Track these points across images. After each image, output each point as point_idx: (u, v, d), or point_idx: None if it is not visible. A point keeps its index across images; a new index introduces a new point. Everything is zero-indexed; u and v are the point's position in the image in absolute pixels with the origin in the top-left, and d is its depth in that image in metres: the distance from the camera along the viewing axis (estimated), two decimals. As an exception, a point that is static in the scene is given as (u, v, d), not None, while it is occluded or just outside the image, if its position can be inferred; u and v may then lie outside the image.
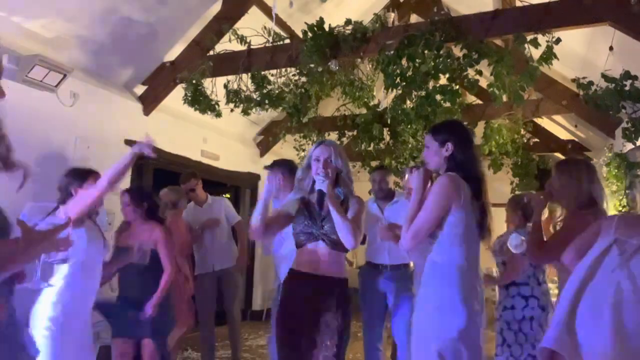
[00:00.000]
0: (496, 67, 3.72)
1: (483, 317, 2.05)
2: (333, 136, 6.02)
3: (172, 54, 4.87)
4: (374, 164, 6.12)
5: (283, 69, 4.67)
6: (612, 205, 4.46)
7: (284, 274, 2.55)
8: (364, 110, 5.59)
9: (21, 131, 3.71)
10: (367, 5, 5.69)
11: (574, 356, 1.60)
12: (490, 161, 6.03)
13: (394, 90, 4.09)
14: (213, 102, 4.63)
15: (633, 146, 4.29)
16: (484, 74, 3.98)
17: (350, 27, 4.11)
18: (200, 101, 4.57)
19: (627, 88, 3.60)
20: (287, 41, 4.56)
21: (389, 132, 5.69)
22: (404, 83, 3.90)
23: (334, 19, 4.21)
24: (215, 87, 4.67)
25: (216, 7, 4.66)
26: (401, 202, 3.70)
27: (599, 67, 3.85)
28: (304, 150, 5.81)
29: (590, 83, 3.80)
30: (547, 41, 3.60)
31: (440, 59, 3.75)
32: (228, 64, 4.63)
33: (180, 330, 3.91)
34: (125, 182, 4.18)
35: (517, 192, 6.08)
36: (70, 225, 2.18)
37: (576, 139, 6.78)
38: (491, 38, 3.93)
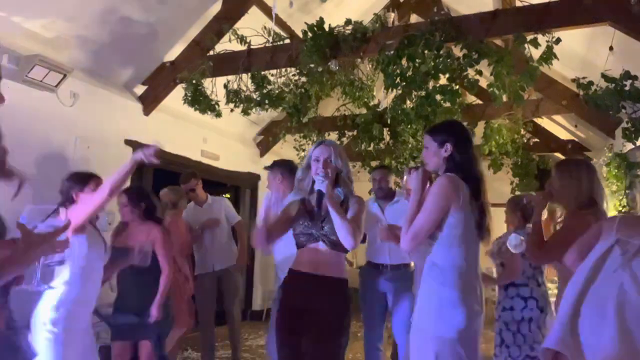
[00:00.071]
0: (496, 67, 3.72)
1: (482, 318, 2.05)
2: (333, 136, 6.02)
3: (172, 54, 4.87)
4: (374, 164, 6.12)
5: (283, 69, 4.67)
6: (612, 205, 4.47)
7: (284, 275, 2.55)
8: (364, 110, 5.59)
9: (21, 131, 3.73)
10: (367, 5, 5.69)
11: (577, 357, 1.60)
12: (490, 161, 6.03)
13: (394, 90, 4.09)
14: (213, 102, 4.63)
15: (633, 146, 4.29)
16: (484, 74, 3.98)
17: (350, 27, 4.11)
18: (200, 101, 4.57)
19: (627, 88, 3.60)
20: (287, 41, 4.56)
21: (389, 132, 5.69)
22: (404, 83, 3.90)
23: (334, 19, 4.21)
24: (215, 87, 4.67)
25: (216, 7, 4.66)
26: (402, 202, 3.70)
27: (599, 67, 3.85)
28: (304, 150, 5.81)
29: (590, 83, 3.80)
30: (547, 41, 3.59)
31: (440, 59, 3.75)
32: (228, 64, 4.63)
33: (180, 330, 3.91)
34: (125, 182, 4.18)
35: (517, 192, 6.08)
36: (70, 229, 2.19)
37: (576, 139, 6.78)
38: (491, 38, 3.93)
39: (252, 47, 4.53)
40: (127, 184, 4.27)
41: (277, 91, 4.67)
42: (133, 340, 3.15)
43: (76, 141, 4.28)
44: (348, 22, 4.13)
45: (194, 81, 4.51)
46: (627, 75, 3.58)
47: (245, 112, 4.70)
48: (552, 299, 3.46)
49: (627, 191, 4.40)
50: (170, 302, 3.37)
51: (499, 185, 6.14)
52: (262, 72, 4.56)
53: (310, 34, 4.07)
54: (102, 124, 4.54)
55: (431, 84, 3.96)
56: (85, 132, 4.35)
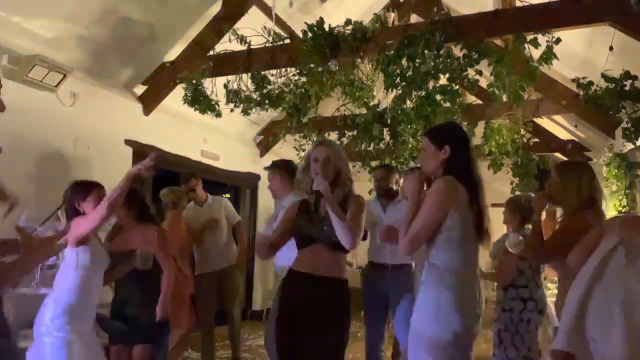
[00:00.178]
0: (496, 67, 3.72)
1: (480, 322, 2.05)
2: (333, 136, 6.02)
3: (172, 54, 4.87)
4: (374, 164, 6.12)
5: (283, 69, 4.67)
6: (612, 205, 4.47)
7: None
8: (364, 110, 5.58)
9: (21, 131, 3.74)
10: (367, 5, 5.68)
11: (587, 357, 1.61)
12: (490, 161, 6.02)
13: (394, 90, 4.09)
14: (213, 102, 4.63)
15: (633, 146, 4.29)
16: (484, 74, 3.98)
17: (350, 27, 4.10)
18: (200, 101, 4.57)
19: (627, 88, 3.60)
20: (287, 41, 4.56)
21: (389, 132, 5.69)
22: (404, 83, 3.89)
23: (334, 19, 4.21)
24: (215, 87, 4.67)
25: (216, 7, 4.66)
26: (404, 202, 3.70)
27: (599, 67, 3.85)
28: (304, 150, 5.81)
29: (590, 83, 3.80)
30: (547, 41, 3.59)
31: (440, 59, 3.75)
32: (228, 64, 4.63)
33: (180, 331, 3.91)
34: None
35: (517, 192, 6.07)
36: (71, 243, 2.18)
37: (576, 139, 6.77)
38: (491, 38, 3.93)
39: (252, 47, 4.52)
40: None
41: (277, 91, 4.66)
42: (129, 344, 3.13)
43: (76, 141, 4.28)
44: (348, 22, 4.13)
45: (194, 81, 4.51)
46: (627, 75, 3.59)
47: (245, 112, 4.70)
48: (553, 299, 3.47)
49: (627, 191, 4.40)
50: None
51: (499, 185, 6.14)
52: (262, 72, 4.56)
53: (310, 34, 4.07)
54: (102, 124, 4.54)
55: (431, 84, 3.96)
56: (85, 132, 4.35)
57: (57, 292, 2.56)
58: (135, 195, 3.23)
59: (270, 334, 2.66)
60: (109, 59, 4.54)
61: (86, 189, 2.70)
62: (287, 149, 6.30)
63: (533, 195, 2.80)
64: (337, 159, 2.35)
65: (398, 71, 3.86)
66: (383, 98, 5.59)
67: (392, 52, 3.84)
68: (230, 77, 4.71)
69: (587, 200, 2.35)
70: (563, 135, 6.96)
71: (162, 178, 4.67)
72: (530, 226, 2.98)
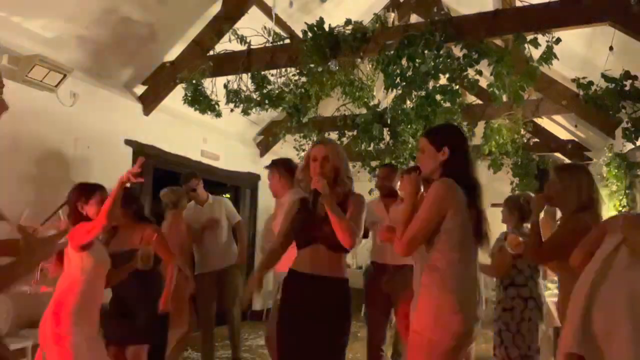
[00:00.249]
0: (496, 67, 3.72)
1: (479, 324, 2.04)
2: (333, 136, 6.02)
3: (172, 54, 4.87)
4: (374, 164, 6.13)
5: (283, 69, 4.67)
6: (612, 205, 4.47)
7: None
8: (364, 110, 5.58)
9: (21, 131, 3.74)
10: (367, 5, 5.68)
11: (595, 357, 1.61)
12: (490, 161, 6.03)
13: (394, 90, 4.09)
14: (213, 102, 4.63)
15: (633, 146, 4.29)
16: (484, 74, 3.98)
17: (350, 27, 4.10)
18: (200, 101, 4.58)
19: (627, 88, 3.60)
20: (287, 41, 4.56)
21: (389, 132, 5.69)
22: (404, 83, 3.89)
23: (334, 19, 4.21)
24: (215, 87, 4.67)
25: (216, 7, 4.66)
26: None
27: (599, 67, 3.85)
28: (304, 150, 5.81)
29: (590, 83, 3.80)
30: (547, 41, 3.59)
31: (440, 59, 3.75)
32: (228, 64, 4.63)
33: (180, 331, 3.90)
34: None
35: (517, 192, 6.07)
36: (73, 249, 2.18)
37: (576, 139, 6.77)
38: (491, 38, 3.92)
39: (252, 47, 4.53)
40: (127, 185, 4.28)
41: (277, 91, 4.67)
42: (126, 344, 3.12)
43: (76, 141, 4.28)
44: (348, 22, 4.13)
45: (194, 81, 4.51)
46: (627, 75, 3.59)
47: (245, 112, 4.71)
48: (553, 299, 3.47)
49: (627, 191, 4.40)
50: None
51: (499, 185, 6.14)
52: (262, 72, 4.56)
53: (310, 34, 4.07)
54: (102, 124, 4.54)
55: (431, 84, 3.96)
56: (85, 132, 4.35)
57: (62, 296, 2.57)
58: (131, 196, 3.23)
59: (272, 334, 2.66)
60: (109, 59, 4.54)
61: (89, 191, 2.72)
62: (287, 149, 6.30)
63: (532, 194, 2.81)
64: (335, 158, 2.34)
65: (398, 71, 3.86)
66: (383, 98, 5.60)
67: (392, 52, 3.84)
68: (230, 77, 4.71)
69: (586, 202, 2.37)
70: (563, 135, 6.96)
71: (162, 178, 4.68)
72: (528, 225, 2.99)
